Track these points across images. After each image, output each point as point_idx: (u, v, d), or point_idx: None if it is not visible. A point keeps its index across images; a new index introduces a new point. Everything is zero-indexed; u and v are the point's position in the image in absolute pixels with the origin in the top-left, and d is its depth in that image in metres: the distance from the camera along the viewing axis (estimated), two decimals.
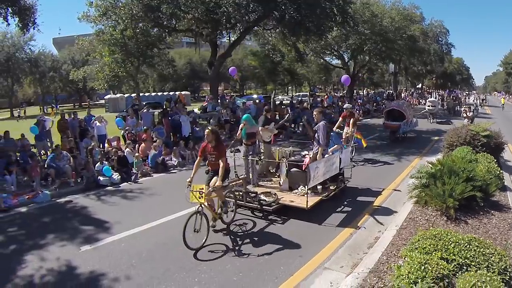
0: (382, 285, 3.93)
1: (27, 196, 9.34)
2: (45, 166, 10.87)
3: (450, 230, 4.89)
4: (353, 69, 32.91)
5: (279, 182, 8.43)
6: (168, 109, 16.09)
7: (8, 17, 15.45)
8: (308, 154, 8.67)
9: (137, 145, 12.68)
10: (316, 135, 8.07)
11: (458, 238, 4.57)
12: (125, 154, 11.70)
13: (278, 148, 9.56)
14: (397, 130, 16.05)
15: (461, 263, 4.24)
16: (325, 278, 4.82)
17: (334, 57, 33.97)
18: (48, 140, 13.69)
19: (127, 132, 13.43)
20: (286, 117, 11.05)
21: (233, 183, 7.80)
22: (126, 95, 42.72)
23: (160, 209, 7.96)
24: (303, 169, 7.55)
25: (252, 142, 8.35)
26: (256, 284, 4.90)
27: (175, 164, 12.21)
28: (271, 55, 27.51)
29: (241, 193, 7.43)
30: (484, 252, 4.32)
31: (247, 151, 8.39)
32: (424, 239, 4.65)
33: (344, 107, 13.49)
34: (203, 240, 5.90)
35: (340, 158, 7.99)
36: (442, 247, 4.41)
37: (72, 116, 14.42)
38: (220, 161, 6.18)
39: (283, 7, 14.51)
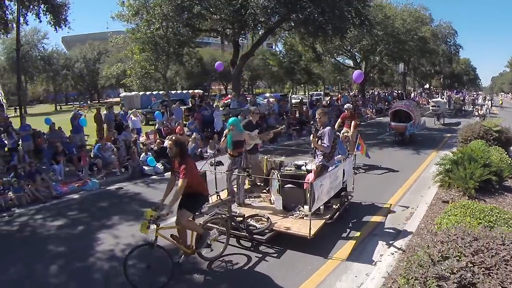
0: (425, 244, 4.94)
1: (77, 184, 9.98)
2: (92, 156, 11.74)
3: (475, 202, 5.94)
4: (364, 69, 33.93)
5: (270, 200, 7.12)
6: (198, 104, 17.16)
7: (40, 14, 16.30)
8: (305, 165, 7.23)
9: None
10: (319, 142, 6.41)
11: (482, 207, 5.59)
12: (165, 145, 12.77)
13: (265, 157, 8.05)
14: (404, 132, 15.10)
15: (486, 225, 5.25)
16: (376, 242, 5.84)
17: (345, 58, 35.06)
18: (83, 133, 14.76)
19: (163, 126, 14.51)
20: (279, 128, 8.72)
21: (215, 205, 6.23)
22: (141, 93, 43.88)
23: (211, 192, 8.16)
24: (304, 187, 6.20)
25: (239, 153, 6.90)
26: None
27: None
28: (289, 55, 28.66)
29: (223, 217, 5.86)
30: (504, 217, 5.33)
31: (232, 163, 6.92)
32: (455, 208, 5.68)
33: (344, 107, 11.80)
34: (163, 282, 4.60)
35: (343, 170, 6.82)
36: (470, 214, 5.43)
37: (108, 111, 15.52)
38: (181, 180, 4.79)
39: (308, 10, 15.46)
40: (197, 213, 5.41)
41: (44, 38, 48.70)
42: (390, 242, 5.72)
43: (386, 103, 30.56)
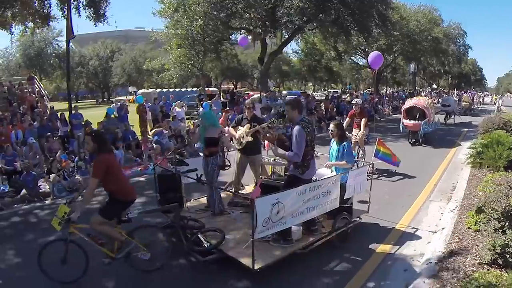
0: (474, 204, 6.20)
1: (139, 168, 10.80)
2: (151, 142, 12.76)
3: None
4: (378, 68, 35.19)
5: None
6: (231, 99, 18.52)
7: (80, 9, 16.61)
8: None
9: None
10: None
11: None
12: None
13: (271, 159, 6.86)
14: (418, 131, 14.01)
15: None
16: (434, 205, 7.14)
17: (360, 57, 36.38)
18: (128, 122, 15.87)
19: None
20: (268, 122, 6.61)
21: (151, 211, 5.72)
22: (158, 90, 45.19)
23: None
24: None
25: (211, 152, 5.80)
26: None
27: None
28: (311, 54, 30.07)
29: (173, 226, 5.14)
30: None
31: (205, 163, 5.94)
32: (494, 178, 6.98)
33: (352, 102, 9.88)
34: (77, 276, 4.46)
35: (343, 184, 5.21)
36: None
37: (153, 102, 16.85)
38: (91, 178, 4.47)
39: (337, 12, 16.71)
40: (123, 219, 4.76)
41: (59, 35, 49.72)
42: (444, 205, 7.03)
43: (401, 101, 31.74)
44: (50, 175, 9.21)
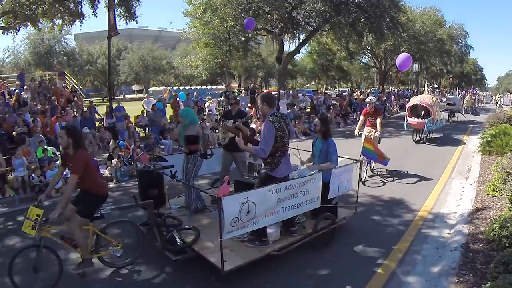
0: (488, 181, 7.65)
1: None
2: None
3: None
4: (384, 68, 36.72)
5: None
6: (252, 96, 19.84)
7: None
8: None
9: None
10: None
11: None
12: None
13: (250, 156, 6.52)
14: (422, 129, 13.96)
15: None
16: (456, 182, 8.62)
17: (365, 57, 37.88)
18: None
19: None
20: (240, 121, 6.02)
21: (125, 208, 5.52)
22: (169, 88, 46.40)
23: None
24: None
25: (192, 151, 5.76)
26: None
27: None
28: (324, 53, 31.51)
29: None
30: None
31: (185, 161, 5.85)
32: (503, 160, 8.40)
33: (366, 101, 9.83)
34: (50, 285, 4.24)
35: (326, 183, 5.09)
36: None
37: (186, 97, 18.17)
38: (71, 175, 4.36)
39: (354, 15, 18.06)
40: (95, 216, 4.59)
41: (67, 34, 50.64)
42: (464, 182, 8.48)
43: (407, 99, 33.13)
44: (112, 161, 10.06)
